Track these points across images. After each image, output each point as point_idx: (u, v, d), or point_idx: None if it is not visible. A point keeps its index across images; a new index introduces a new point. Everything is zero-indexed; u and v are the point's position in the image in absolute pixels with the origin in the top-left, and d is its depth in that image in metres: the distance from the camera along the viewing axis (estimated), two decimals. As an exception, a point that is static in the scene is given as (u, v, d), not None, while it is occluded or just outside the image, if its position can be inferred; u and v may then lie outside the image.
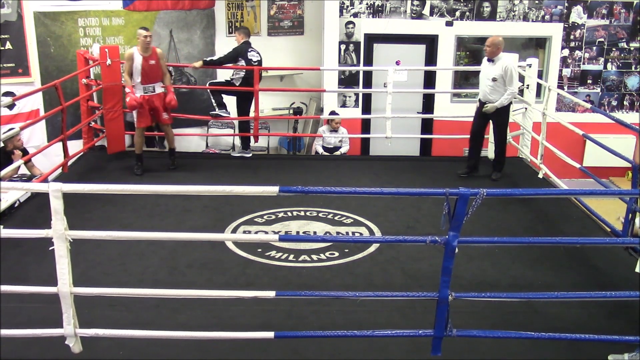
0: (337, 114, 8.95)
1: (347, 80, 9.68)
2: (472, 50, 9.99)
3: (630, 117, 9.57)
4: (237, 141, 8.76)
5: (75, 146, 7.83)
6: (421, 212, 6.22)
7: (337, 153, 8.72)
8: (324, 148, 8.74)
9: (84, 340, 3.68)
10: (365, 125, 9.70)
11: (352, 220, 6.05)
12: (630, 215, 5.22)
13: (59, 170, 7.10)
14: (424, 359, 3.78)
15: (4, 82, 8.17)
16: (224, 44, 9.08)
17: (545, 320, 4.29)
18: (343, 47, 9.52)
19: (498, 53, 6.86)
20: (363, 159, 9.07)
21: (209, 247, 5.36)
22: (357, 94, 9.69)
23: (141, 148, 7.32)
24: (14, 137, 6.83)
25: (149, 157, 7.89)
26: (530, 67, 7.84)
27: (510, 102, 7.16)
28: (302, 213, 6.20)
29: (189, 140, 9.37)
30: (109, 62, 7.47)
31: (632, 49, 9.76)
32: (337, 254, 5.32)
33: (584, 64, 9.82)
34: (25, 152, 7.39)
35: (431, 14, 9.52)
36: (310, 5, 9.82)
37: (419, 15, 9.51)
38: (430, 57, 9.65)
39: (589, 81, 9.87)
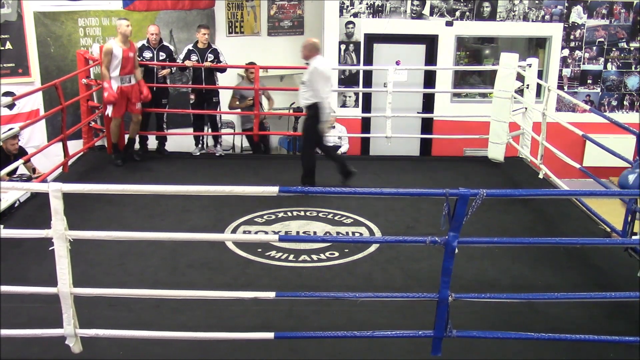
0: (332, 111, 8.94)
1: (347, 80, 9.68)
2: (472, 50, 9.99)
3: (630, 117, 9.57)
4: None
5: (75, 146, 7.83)
6: (421, 212, 6.22)
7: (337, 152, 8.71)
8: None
9: (84, 340, 3.68)
10: (365, 125, 9.70)
11: (352, 220, 6.05)
12: (630, 216, 5.22)
13: (59, 170, 7.10)
14: (424, 359, 3.78)
15: (4, 82, 8.17)
16: (224, 44, 9.07)
17: (545, 320, 4.29)
18: (343, 47, 9.52)
19: (312, 55, 6.59)
20: (363, 159, 9.06)
21: (209, 247, 5.36)
22: (357, 94, 9.69)
23: (118, 137, 7.50)
24: (7, 140, 6.68)
25: (148, 158, 7.91)
26: (530, 67, 7.84)
27: (315, 110, 6.61)
28: (302, 213, 6.20)
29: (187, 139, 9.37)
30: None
31: (632, 49, 9.75)
32: (337, 254, 5.32)
33: (584, 64, 9.81)
34: (21, 153, 7.18)
35: (431, 14, 9.52)
36: (310, 5, 9.82)
37: (419, 15, 9.51)
38: (430, 57, 9.65)
39: (589, 81, 9.87)
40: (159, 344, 3.91)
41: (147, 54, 7.83)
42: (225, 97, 8.58)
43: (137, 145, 7.93)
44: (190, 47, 8.04)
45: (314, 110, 6.68)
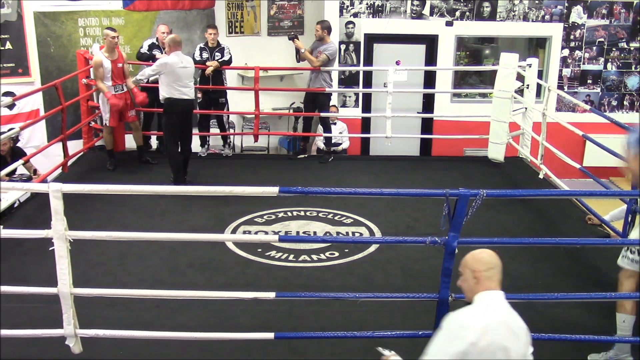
0: (334, 107, 8.89)
1: (347, 80, 9.68)
2: (472, 50, 9.99)
3: (630, 117, 9.57)
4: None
5: (75, 146, 7.84)
6: (421, 212, 6.22)
7: (339, 149, 8.71)
8: (325, 144, 8.72)
9: (84, 340, 3.68)
10: (366, 125, 9.70)
11: (352, 220, 6.05)
12: (630, 216, 5.21)
13: (59, 170, 7.10)
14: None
15: (4, 82, 8.16)
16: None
17: (545, 320, 4.29)
18: (343, 47, 9.52)
19: (172, 51, 6.71)
20: (363, 159, 9.08)
21: (209, 247, 5.36)
22: (357, 94, 9.69)
23: (112, 144, 7.50)
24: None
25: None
26: (530, 67, 7.84)
27: (169, 106, 6.73)
28: (302, 213, 6.20)
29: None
30: (108, 61, 7.47)
31: (632, 49, 9.75)
32: (337, 254, 5.32)
33: (584, 64, 9.81)
34: (16, 154, 6.90)
35: (431, 14, 9.52)
36: (310, 5, 9.81)
37: (419, 15, 9.51)
38: (430, 57, 9.64)
39: (589, 81, 9.87)
40: (159, 344, 3.91)
41: (158, 53, 7.80)
42: (231, 98, 8.53)
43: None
44: (201, 45, 8.02)
45: (169, 106, 6.77)
